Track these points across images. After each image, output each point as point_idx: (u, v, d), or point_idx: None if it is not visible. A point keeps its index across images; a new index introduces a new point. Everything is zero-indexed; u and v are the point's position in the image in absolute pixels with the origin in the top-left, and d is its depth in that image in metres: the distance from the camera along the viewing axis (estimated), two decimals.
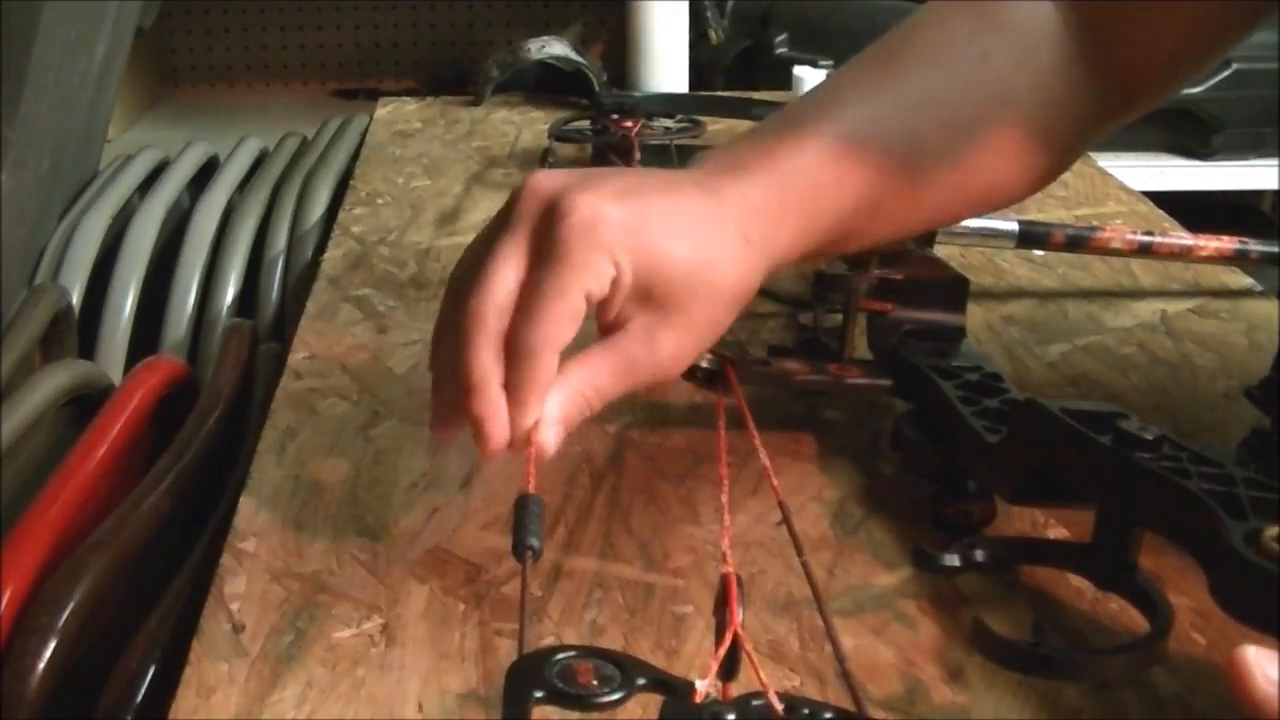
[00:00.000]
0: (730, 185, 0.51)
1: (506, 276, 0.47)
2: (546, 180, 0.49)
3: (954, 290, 0.62)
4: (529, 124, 1.20)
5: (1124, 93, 0.59)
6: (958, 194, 0.57)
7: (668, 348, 0.49)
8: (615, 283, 0.47)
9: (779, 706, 0.36)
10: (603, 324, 0.49)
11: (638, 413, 0.63)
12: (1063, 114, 0.58)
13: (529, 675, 0.37)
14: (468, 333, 0.46)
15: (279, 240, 1.11)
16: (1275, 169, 1.91)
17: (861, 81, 0.56)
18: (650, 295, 0.48)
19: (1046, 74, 0.57)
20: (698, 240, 0.48)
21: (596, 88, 1.21)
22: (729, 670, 0.39)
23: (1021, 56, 0.57)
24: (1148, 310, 0.77)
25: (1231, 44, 0.57)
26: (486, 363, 0.46)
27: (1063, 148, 0.60)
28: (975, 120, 0.56)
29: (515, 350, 0.46)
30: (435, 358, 0.50)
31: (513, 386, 0.46)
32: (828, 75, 0.61)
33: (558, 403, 0.47)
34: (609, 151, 1.01)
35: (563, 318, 0.46)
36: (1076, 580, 0.49)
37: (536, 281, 0.46)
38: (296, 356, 0.70)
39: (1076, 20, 0.57)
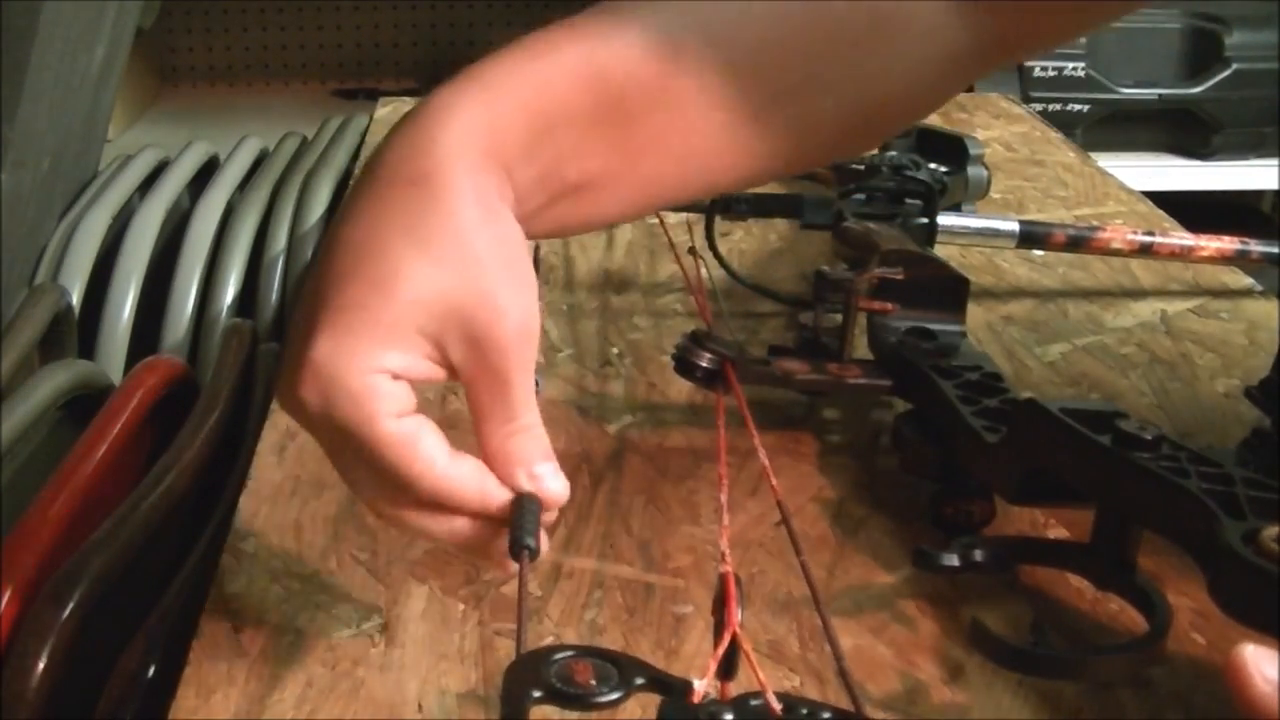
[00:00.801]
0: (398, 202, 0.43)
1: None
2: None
3: (954, 290, 0.62)
4: None
5: (1002, 36, 0.53)
6: (800, 110, 0.50)
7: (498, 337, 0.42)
8: (407, 372, 0.42)
9: (777, 706, 0.36)
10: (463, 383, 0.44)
11: (638, 413, 0.63)
12: (933, 38, 0.52)
13: (527, 675, 0.37)
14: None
15: (279, 240, 1.11)
16: (1275, 169, 1.91)
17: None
18: (438, 340, 0.42)
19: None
20: (399, 288, 0.41)
21: None
22: (727, 670, 0.39)
23: None
24: (1148, 310, 0.77)
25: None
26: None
27: (935, 74, 0.53)
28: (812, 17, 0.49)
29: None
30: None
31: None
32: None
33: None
34: None
35: (409, 461, 0.41)
36: (1076, 580, 0.49)
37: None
38: None
39: None
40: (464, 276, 0.42)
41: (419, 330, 0.41)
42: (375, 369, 0.41)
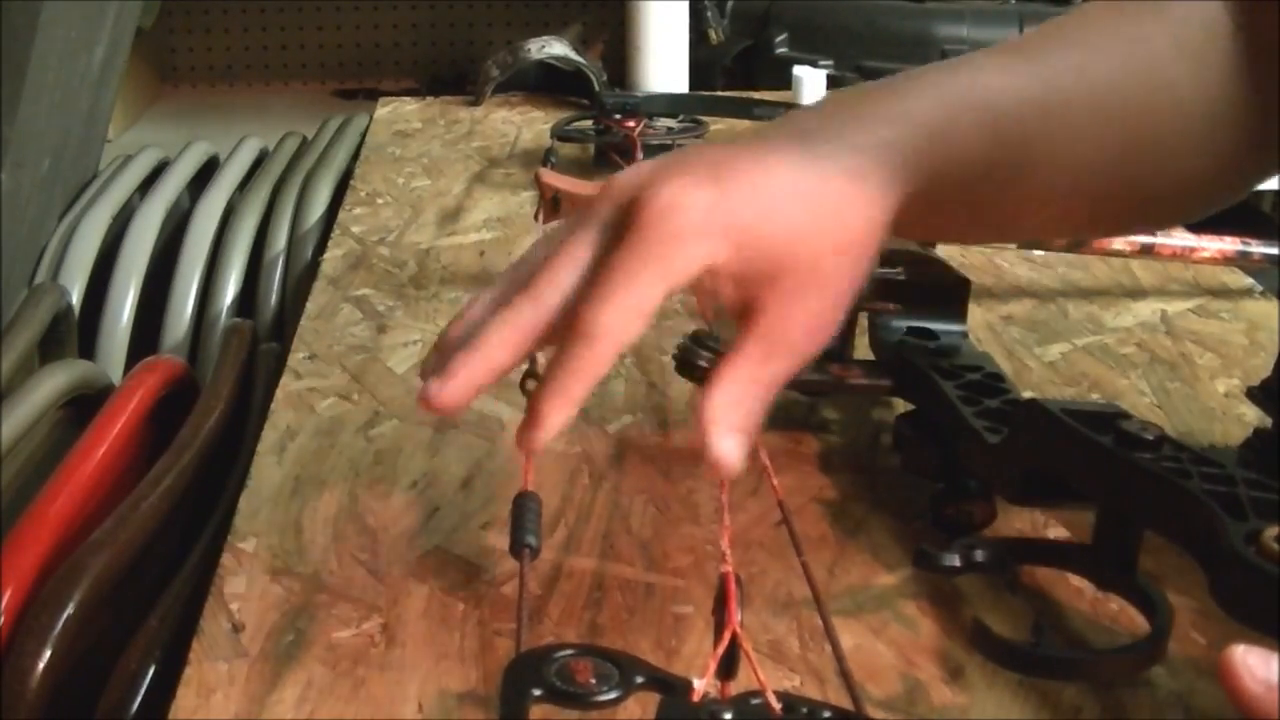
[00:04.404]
0: (831, 128, 0.46)
1: (572, 266, 0.43)
2: (626, 176, 0.45)
3: (955, 291, 0.62)
4: (529, 124, 1.20)
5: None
6: (1099, 188, 0.51)
7: (804, 319, 0.44)
8: (714, 270, 0.43)
9: (776, 706, 0.36)
10: (732, 313, 0.45)
11: (638, 413, 0.63)
12: (1230, 120, 0.51)
13: (527, 674, 0.37)
14: (510, 301, 0.43)
15: (279, 240, 1.11)
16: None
17: (996, 55, 0.50)
18: (766, 272, 0.43)
19: (1213, 69, 0.51)
20: (796, 203, 0.44)
21: (596, 88, 1.21)
22: (727, 669, 0.39)
23: (1185, 45, 0.51)
24: (1148, 310, 0.77)
25: None
26: (518, 325, 0.42)
27: (1233, 165, 0.53)
28: (1126, 101, 0.50)
29: (571, 333, 0.41)
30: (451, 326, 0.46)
31: (558, 375, 0.41)
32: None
33: (728, 410, 0.42)
34: (611, 151, 1.01)
35: (630, 308, 0.41)
36: (1076, 580, 0.49)
37: (607, 267, 0.42)
38: (296, 356, 0.70)
39: (1247, 20, 0.51)
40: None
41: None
42: None
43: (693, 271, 0.42)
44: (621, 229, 0.43)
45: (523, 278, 0.44)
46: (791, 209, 0.44)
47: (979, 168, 0.48)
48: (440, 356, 0.44)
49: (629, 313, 0.41)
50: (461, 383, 0.42)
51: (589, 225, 0.44)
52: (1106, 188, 0.51)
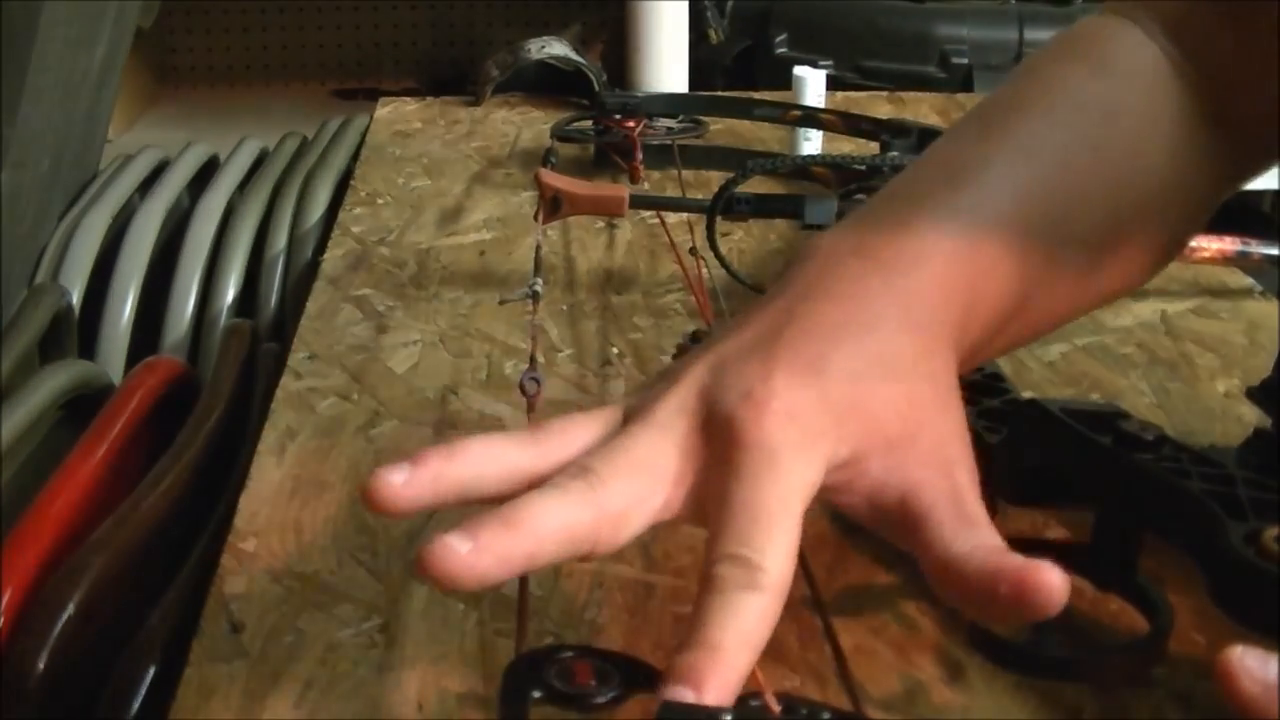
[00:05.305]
0: (876, 276, 0.43)
1: (643, 476, 0.39)
2: (704, 364, 0.41)
3: None
4: (529, 124, 1.20)
5: (1240, 149, 0.53)
6: (1092, 281, 0.51)
7: (937, 468, 0.41)
8: (840, 466, 0.40)
9: (776, 706, 0.36)
10: (856, 507, 0.42)
11: None
12: (1190, 179, 0.52)
13: (527, 674, 0.37)
14: (565, 487, 0.38)
15: (279, 240, 1.11)
16: (1275, 169, 1.91)
17: (986, 149, 0.49)
18: (876, 451, 0.40)
19: (1173, 132, 0.51)
20: (888, 371, 0.41)
21: (596, 88, 1.21)
22: None
23: (1146, 112, 0.51)
24: (1148, 310, 0.77)
25: None
26: (569, 523, 0.38)
27: (1187, 220, 0.54)
28: (1111, 189, 0.50)
29: (730, 584, 0.36)
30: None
31: (746, 634, 0.36)
32: (942, 141, 0.52)
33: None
34: (611, 151, 1.01)
35: (793, 549, 0.38)
36: (1076, 580, 0.49)
37: (752, 506, 0.38)
38: (296, 356, 0.70)
39: (1185, 64, 0.51)
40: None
41: None
42: None
43: (823, 469, 0.40)
44: (729, 433, 0.39)
45: (565, 460, 0.40)
46: (887, 382, 0.41)
47: (1011, 290, 0.47)
48: (433, 475, 0.39)
49: (791, 553, 0.38)
50: (494, 561, 0.36)
51: (667, 429, 0.40)
52: (1082, 284, 0.51)
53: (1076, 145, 0.49)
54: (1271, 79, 0.50)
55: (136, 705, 0.50)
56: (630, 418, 0.42)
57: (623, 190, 0.78)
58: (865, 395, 0.41)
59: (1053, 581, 0.35)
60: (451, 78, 2.34)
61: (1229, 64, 0.51)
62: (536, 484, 0.39)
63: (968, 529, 0.39)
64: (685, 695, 0.33)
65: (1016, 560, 0.37)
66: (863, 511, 0.42)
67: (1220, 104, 0.51)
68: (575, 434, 0.41)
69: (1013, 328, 0.48)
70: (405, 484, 0.38)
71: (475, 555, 0.36)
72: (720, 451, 0.39)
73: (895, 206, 0.47)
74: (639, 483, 0.39)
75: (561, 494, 0.38)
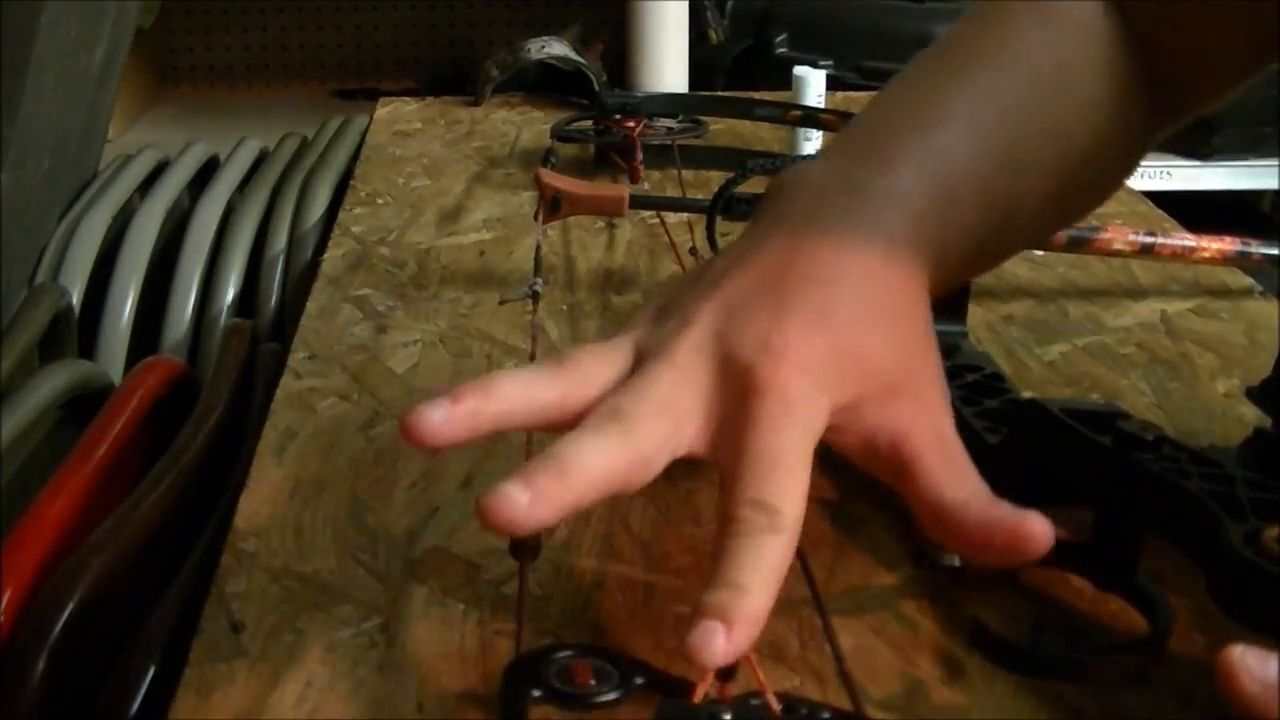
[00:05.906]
0: (866, 214, 0.46)
1: (677, 420, 0.42)
2: (705, 319, 0.43)
3: (955, 291, 0.62)
4: (529, 124, 1.20)
5: (1173, 93, 0.56)
6: (1043, 224, 0.54)
7: (922, 412, 0.44)
8: (840, 410, 0.42)
9: (776, 706, 0.36)
10: (850, 446, 0.44)
11: None
12: (1130, 119, 0.55)
13: (527, 674, 0.37)
14: (602, 429, 0.41)
15: (279, 240, 1.11)
16: (1275, 169, 1.91)
17: (946, 96, 0.51)
18: (872, 396, 0.43)
19: (1111, 85, 0.54)
20: (883, 317, 0.44)
21: (596, 88, 1.21)
22: (727, 670, 0.39)
23: (1093, 58, 0.53)
24: (1148, 310, 0.77)
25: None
26: (611, 464, 0.40)
27: (1128, 157, 0.57)
28: (1060, 138, 0.52)
29: (749, 525, 0.39)
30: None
31: (763, 574, 0.38)
32: (904, 80, 0.54)
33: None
34: (611, 151, 1.01)
35: (804, 492, 0.40)
36: (1076, 580, 0.49)
37: (767, 451, 0.40)
38: (296, 356, 0.70)
39: (1121, 16, 0.54)
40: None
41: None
42: None
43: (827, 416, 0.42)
44: (745, 381, 0.41)
45: (595, 403, 0.42)
46: (881, 327, 0.44)
47: (976, 234, 0.50)
48: (470, 411, 0.42)
49: (804, 497, 0.40)
50: (549, 507, 0.39)
51: (687, 370, 0.43)
52: (1042, 215, 0.55)
53: (1030, 97, 0.52)
54: (1197, 37, 0.54)
55: (136, 704, 0.50)
56: (645, 355, 0.44)
57: (623, 190, 0.78)
58: (865, 341, 0.43)
59: (1042, 530, 0.39)
60: (451, 78, 2.34)
61: (1158, 19, 0.54)
62: (558, 419, 0.42)
63: (958, 476, 0.42)
64: (715, 631, 0.35)
65: (1008, 510, 0.40)
66: (855, 451, 0.44)
67: (1148, 48, 0.54)
68: (595, 370, 0.44)
69: (974, 266, 0.53)
70: (445, 421, 0.41)
71: (533, 505, 0.38)
72: (737, 396, 0.42)
73: (876, 143, 0.49)
74: (666, 423, 0.42)
75: (602, 439, 0.40)
